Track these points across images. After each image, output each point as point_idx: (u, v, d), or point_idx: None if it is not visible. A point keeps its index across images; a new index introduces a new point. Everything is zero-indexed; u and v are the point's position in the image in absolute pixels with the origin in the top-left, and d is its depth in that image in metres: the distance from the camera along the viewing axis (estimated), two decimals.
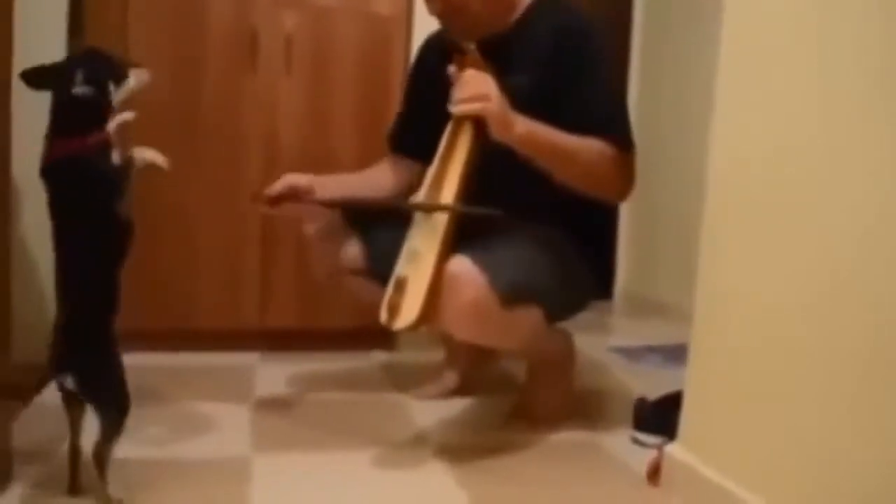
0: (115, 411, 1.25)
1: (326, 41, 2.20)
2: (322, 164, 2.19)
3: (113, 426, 1.24)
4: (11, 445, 1.34)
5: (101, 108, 1.28)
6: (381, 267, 1.59)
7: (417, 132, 1.71)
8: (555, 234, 1.67)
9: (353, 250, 1.76)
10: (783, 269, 1.15)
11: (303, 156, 2.19)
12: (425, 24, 1.86)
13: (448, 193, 1.52)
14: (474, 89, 1.48)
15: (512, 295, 1.50)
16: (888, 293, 0.98)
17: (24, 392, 1.66)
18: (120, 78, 1.31)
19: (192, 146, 2.13)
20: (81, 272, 1.27)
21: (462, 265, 1.48)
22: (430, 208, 1.52)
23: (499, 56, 1.60)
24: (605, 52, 1.70)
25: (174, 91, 2.10)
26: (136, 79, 1.34)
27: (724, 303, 1.29)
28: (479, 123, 1.51)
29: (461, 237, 1.54)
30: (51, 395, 1.73)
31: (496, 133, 1.48)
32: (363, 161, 2.15)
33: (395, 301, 1.46)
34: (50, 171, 1.26)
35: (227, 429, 1.65)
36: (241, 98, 2.15)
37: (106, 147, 1.27)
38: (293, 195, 1.67)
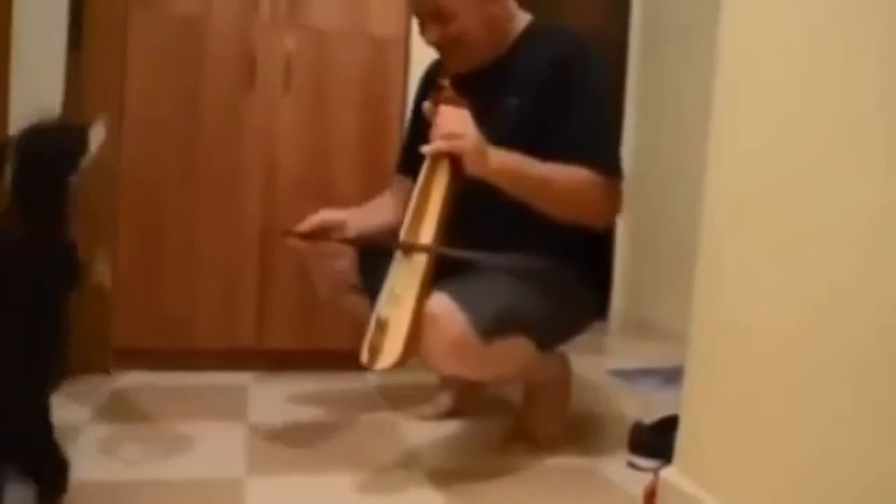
0: (47, 481, 1.17)
1: (325, 64, 2.21)
2: (321, 186, 2.20)
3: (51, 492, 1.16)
4: None
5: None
6: (373, 285, 1.59)
7: (419, 157, 1.71)
8: (542, 261, 1.66)
9: (349, 268, 1.76)
10: (781, 291, 1.15)
11: (302, 178, 2.20)
12: (424, 48, 1.87)
13: (427, 232, 1.51)
14: (449, 127, 1.49)
15: (493, 330, 1.49)
16: (888, 314, 0.98)
17: None
18: (84, 154, 1.27)
19: (191, 168, 2.14)
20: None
21: (441, 303, 1.47)
22: (427, 250, 1.50)
23: (493, 80, 1.61)
24: (600, 76, 1.68)
25: (173, 112, 2.11)
26: (95, 142, 1.28)
27: (721, 325, 1.29)
28: (454, 160, 1.51)
29: (442, 272, 1.54)
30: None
31: (471, 169, 1.49)
32: (362, 183, 2.17)
33: (377, 342, 1.45)
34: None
35: (222, 449, 1.64)
36: (240, 120, 2.16)
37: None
38: (324, 231, 1.67)
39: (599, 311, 1.84)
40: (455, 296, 1.48)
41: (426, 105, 1.56)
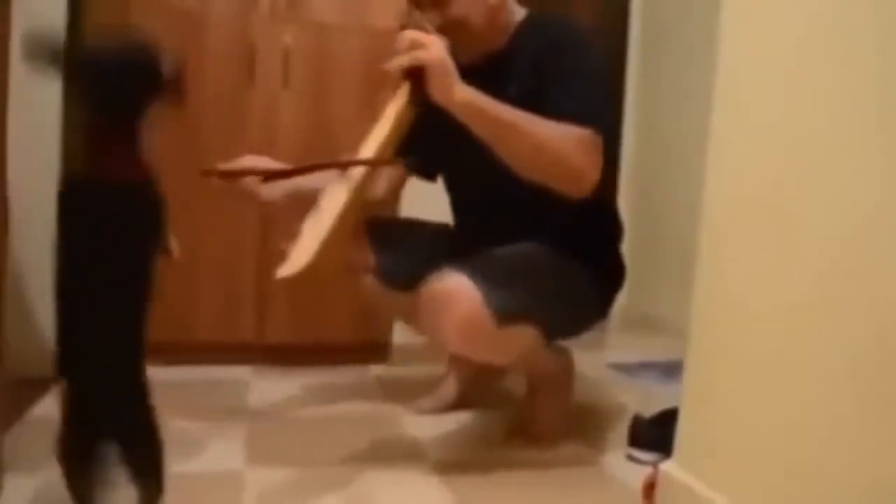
0: (158, 478, 1.08)
1: (325, 56, 2.21)
2: None
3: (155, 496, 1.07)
4: (3, 459, 1.34)
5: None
6: (392, 274, 1.58)
7: (415, 149, 1.71)
8: (558, 254, 1.66)
9: (365, 253, 1.76)
10: (781, 285, 1.15)
11: None
12: None
13: (367, 151, 1.43)
14: (409, 38, 1.39)
15: (507, 313, 1.50)
16: (889, 312, 0.98)
17: (15, 406, 1.65)
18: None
19: (191, 161, 2.13)
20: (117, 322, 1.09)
21: (458, 281, 1.48)
22: (373, 162, 1.41)
23: (492, 74, 1.60)
24: (591, 54, 1.61)
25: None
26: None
27: (721, 320, 1.29)
28: (418, 80, 1.40)
29: (459, 254, 1.53)
30: (42, 409, 1.73)
31: (436, 91, 1.38)
32: None
33: (289, 252, 1.35)
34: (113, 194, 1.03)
35: (222, 442, 1.64)
36: (239, 113, 2.16)
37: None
38: (248, 174, 1.60)
39: (607, 311, 1.83)
40: (472, 275, 1.49)
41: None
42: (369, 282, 1.77)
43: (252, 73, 2.15)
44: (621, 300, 3.39)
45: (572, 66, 1.58)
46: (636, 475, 1.50)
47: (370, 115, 2.21)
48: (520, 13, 1.73)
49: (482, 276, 1.50)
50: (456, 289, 1.48)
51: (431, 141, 1.61)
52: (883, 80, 0.99)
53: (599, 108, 1.54)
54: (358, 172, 1.39)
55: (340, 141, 2.23)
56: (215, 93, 2.14)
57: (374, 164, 1.41)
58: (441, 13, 1.61)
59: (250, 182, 1.61)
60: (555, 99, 1.52)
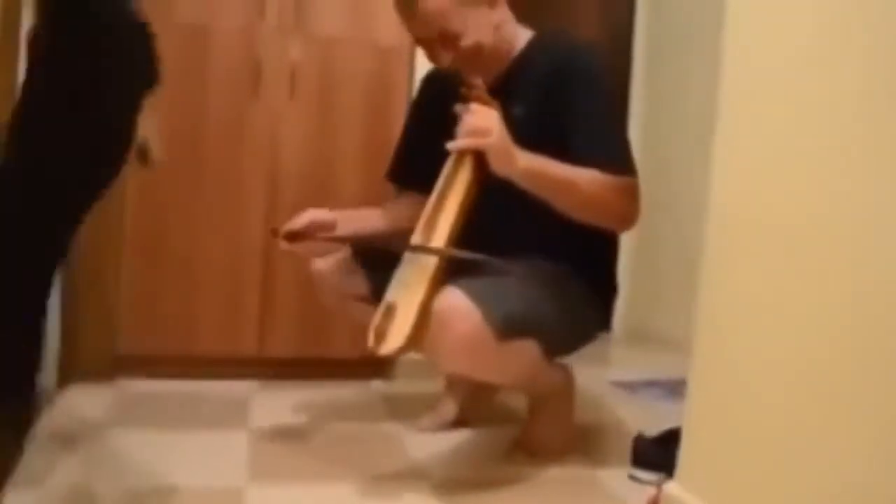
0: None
1: (330, 72, 2.21)
2: (325, 194, 2.20)
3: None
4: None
5: None
6: (379, 279, 1.60)
7: (419, 164, 1.71)
8: (555, 269, 1.66)
9: (358, 279, 1.76)
10: (786, 303, 1.15)
11: (306, 185, 2.20)
12: None
13: (442, 231, 1.51)
14: (475, 124, 1.48)
15: (507, 329, 1.49)
16: (888, 325, 0.97)
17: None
18: None
19: (195, 174, 2.14)
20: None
21: (456, 298, 1.47)
22: (438, 252, 1.50)
23: (500, 90, 1.61)
24: (604, 81, 1.69)
25: (177, 119, 2.11)
26: None
27: (725, 337, 1.28)
28: (479, 159, 1.50)
29: (456, 269, 1.53)
30: (43, 419, 1.73)
31: (497, 167, 1.47)
32: (366, 190, 2.17)
33: (383, 327, 1.45)
34: None
35: (223, 457, 1.64)
36: (244, 127, 2.16)
37: None
38: (313, 231, 1.66)
39: (607, 325, 1.84)
40: (469, 292, 1.48)
41: (458, 106, 1.53)
42: (362, 309, 1.73)
43: (257, 87, 2.16)
44: (624, 314, 3.41)
45: (584, 89, 1.62)
46: (638, 495, 1.49)
47: (374, 130, 2.24)
48: (525, 35, 1.74)
49: (479, 291, 1.49)
50: (454, 307, 1.47)
51: (429, 158, 1.62)
52: (890, 84, 0.99)
53: (626, 150, 1.65)
54: (434, 260, 1.49)
55: (345, 155, 2.24)
56: (221, 106, 2.14)
57: (448, 258, 1.50)
58: (453, 48, 1.64)
59: (313, 245, 1.68)
60: (584, 146, 1.59)
